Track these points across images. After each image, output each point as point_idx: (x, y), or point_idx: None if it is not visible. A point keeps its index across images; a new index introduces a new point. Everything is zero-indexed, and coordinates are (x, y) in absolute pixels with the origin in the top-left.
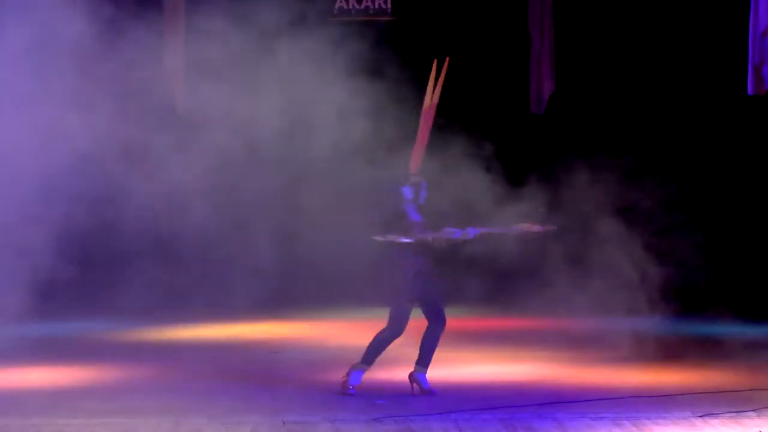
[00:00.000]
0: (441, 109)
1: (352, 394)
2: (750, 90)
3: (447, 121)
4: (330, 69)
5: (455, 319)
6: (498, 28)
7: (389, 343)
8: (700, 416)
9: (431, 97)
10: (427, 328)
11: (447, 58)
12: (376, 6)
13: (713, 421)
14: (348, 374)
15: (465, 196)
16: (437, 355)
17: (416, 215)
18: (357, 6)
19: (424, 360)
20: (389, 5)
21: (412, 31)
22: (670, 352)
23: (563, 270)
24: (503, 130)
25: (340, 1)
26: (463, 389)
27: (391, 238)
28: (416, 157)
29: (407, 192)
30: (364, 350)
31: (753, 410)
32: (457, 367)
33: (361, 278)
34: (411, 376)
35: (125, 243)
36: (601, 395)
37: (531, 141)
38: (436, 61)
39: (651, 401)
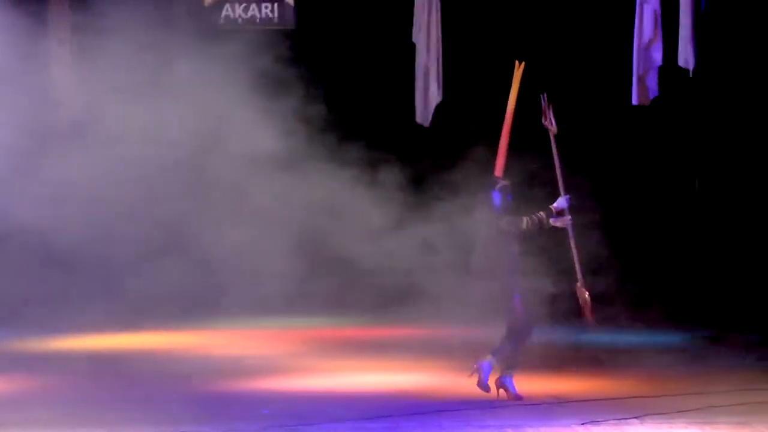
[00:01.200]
0: (339, 120)
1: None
2: (634, 100)
3: (339, 133)
4: (217, 78)
5: (341, 328)
6: (383, 39)
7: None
8: (583, 424)
9: (513, 101)
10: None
11: (523, 63)
12: (263, 15)
13: (595, 429)
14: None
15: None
16: (324, 363)
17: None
18: (243, 15)
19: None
20: (276, 14)
21: (298, 40)
22: (553, 360)
23: (449, 279)
24: (390, 141)
25: (227, 11)
26: (349, 398)
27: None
28: (500, 161)
29: (496, 197)
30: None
31: (635, 417)
32: (343, 376)
33: (256, 288)
34: (497, 381)
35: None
36: (486, 404)
37: (417, 152)
38: (517, 63)
39: (534, 409)
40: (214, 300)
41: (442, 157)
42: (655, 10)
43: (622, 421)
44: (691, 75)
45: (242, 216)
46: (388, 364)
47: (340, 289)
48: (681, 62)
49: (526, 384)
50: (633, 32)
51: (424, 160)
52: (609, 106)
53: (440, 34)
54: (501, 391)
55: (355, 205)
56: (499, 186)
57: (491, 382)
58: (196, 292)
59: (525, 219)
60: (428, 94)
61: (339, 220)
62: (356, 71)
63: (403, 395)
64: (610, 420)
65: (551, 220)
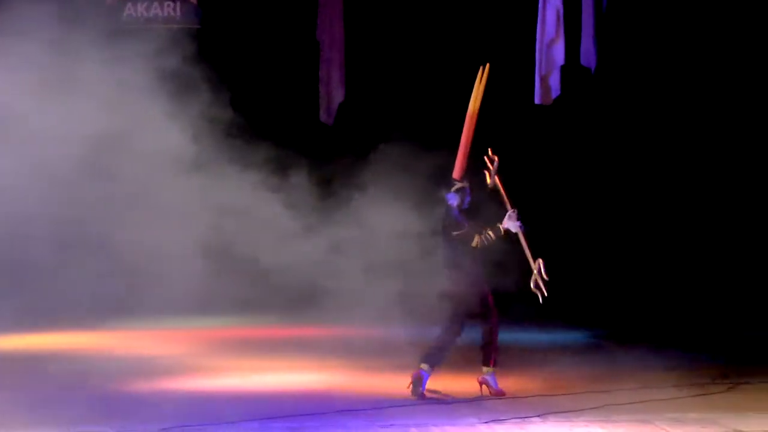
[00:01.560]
0: (245, 119)
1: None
2: (537, 99)
3: (245, 132)
4: (123, 78)
5: (247, 329)
6: (288, 36)
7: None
8: (486, 422)
9: (475, 103)
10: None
11: (488, 64)
12: (165, 14)
13: (498, 427)
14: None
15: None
16: (229, 363)
17: (463, 220)
18: (145, 14)
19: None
20: (179, 13)
21: (203, 39)
22: (457, 359)
23: (353, 280)
24: (295, 138)
25: (129, 9)
26: (254, 398)
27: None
28: (459, 163)
29: (452, 198)
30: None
31: (537, 416)
32: (248, 376)
33: (164, 289)
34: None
35: None
36: (390, 403)
37: (320, 150)
38: (481, 68)
39: (439, 408)
40: (124, 301)
41: (349, 156)
42: (557, 10)
43: (524, 419)
44: (592, 74)
45: (151, 217)
46: (293, 364)
47: (247, 290)
48: (583, 61)
49: (431, 383)
50: (536, 32)
51: (332, 159)
52: (512, 105)
53: (343, 33)
54: (483, 387)
55: (261, 206)
56: (455, 188)
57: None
58: (106, 293)
59: (476, 237)
60: (331, 92)
61: (246, 220)
62: (261, 70)
63: (308, 395)
64: (512, 418)
65: (503, 226)
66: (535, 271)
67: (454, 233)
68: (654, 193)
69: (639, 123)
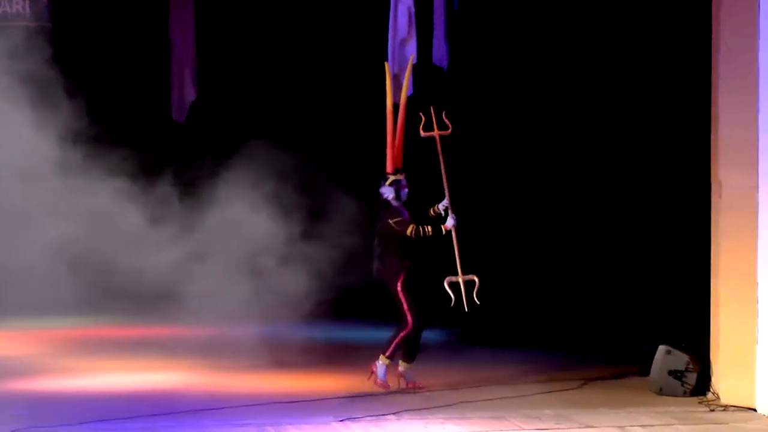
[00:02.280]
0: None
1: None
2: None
3: (97, 131)
4: None
5: (98, 329)
6: (139, 34)
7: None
8: (341, 420)
9: (391, 97)
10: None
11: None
12: (14, 11)
13: (354, 425)
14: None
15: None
16: (81, 364)
17: (404, 212)
18: None
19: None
20: (28, 11)
21: (54, 37)
22: (311, 357)
23: (207, 278)
24: (145, 138)
25: None
26: (107, 398)
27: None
28: (390, 157)
29: (387, 192)
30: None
31: (393, 413)
32: (100, 376)
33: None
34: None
35: None
36: (245, 402)
37: (173, 149)
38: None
39: (294, 407)
40: None
41: (201, 156)
42: (409, 8)
43: (380, 417)
44: (445, 72)
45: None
46: (148, 364)
47: (99, 292)
48: (435, 60)
49: (285, 381)
50: (388, 30)
51: (185, 159)
52: (364, 103)
53: (195, 31)
54: (401, 379)
55: (116, 209)
56: (388, 181)
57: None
58: None
59: (412, 226)
60: (183, 91)
61: (100, 222)
62: (113, 69)
63: (162, 395)
64: (368, 416)
65: (445, 227)
66: (460, 280)
67: (391, 220)
68: (507, 192)
69: (492, 121)
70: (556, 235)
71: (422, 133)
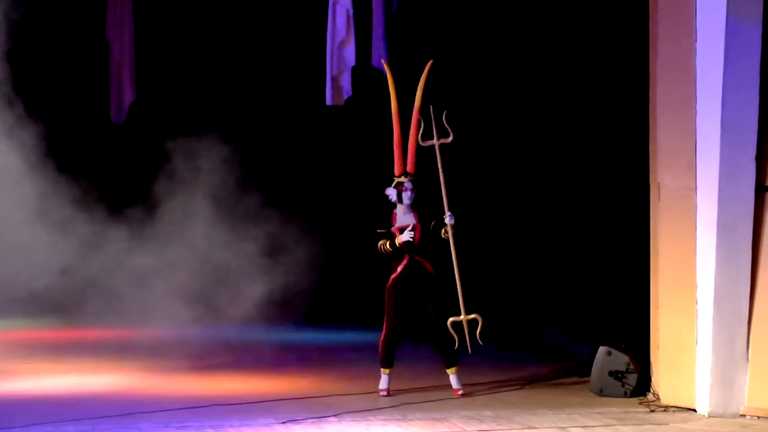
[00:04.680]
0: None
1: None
2: (328, 100)
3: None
4: None
5: (33, 330)
6: (76, 36)
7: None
8: (283, 422)
9: (395, 99)
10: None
11: (431, 60)
12: None
13: (296, 427)
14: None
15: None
16: (17, 366)
17: (404, 217)
18: None
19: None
20: None
21: None
22: (252, 359)
23: (138, 281)
24: (83, 140)
25: None
26: (44, 401)
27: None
28: (398, 159)
29: (391, 194)
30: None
31: (334, 415)
32: (37, 379)
33: None
34: None
35: None
36: (185, 404)
37: (112, 151)
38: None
39: (234, 409)
40: None
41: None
42: (347, 10)
43: (321, 419)
44: (384, 75)
45: None
46: (86, 366)
47: (33, 292)
48: (374, 63)
49: (228, 383)
50: (326, 32)
51: (125, 159)
52: (303, 106)
53: (133, 32)
54: None
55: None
56: (393, 183)
57: None
58: None
59: (380, 243)
60: (122, 92)
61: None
62: (49, 70)
63: (100, 397)
64: (309, 418)
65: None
66: (463, 320)
67: (379, 230)
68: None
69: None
70: (495, 235)
71: (421, 143)
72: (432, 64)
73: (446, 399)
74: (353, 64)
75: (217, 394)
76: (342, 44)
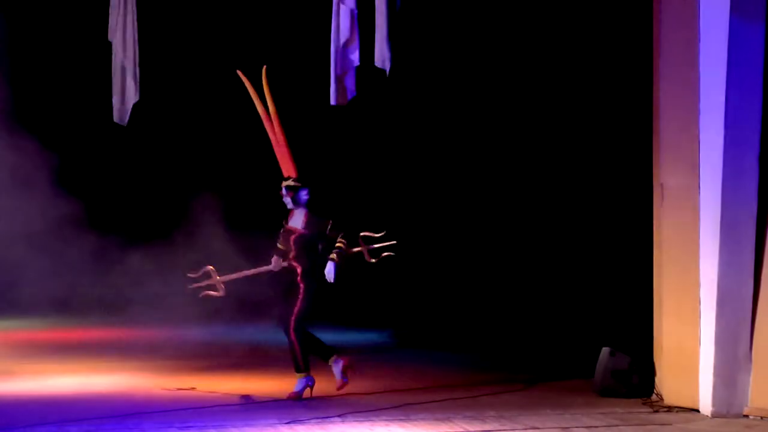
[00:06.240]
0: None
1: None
2: (333, 100)
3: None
4: None
5: (39, 331)
6: (79, 37)
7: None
8: (287, 423)
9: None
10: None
11: (264, 66)
12: None
13: (299, 428)
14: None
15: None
16: (20, 367)
17: (297, 221)
18: None
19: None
20: None
21: None
22: (255, 360)
23: (143, 280)
24: (84, 141)
25: None
26: (47, 401)
27: None
28: (289, 162)
29: (284, 199)
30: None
31: (338, 416)
32: (41, 379)
33: None
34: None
35: None
36: (188, 404)
37: (114, 152)
38: (265, 68)
39: (238, 409)
40: None
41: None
42: (351, 10)
43: (324, 419)
44: (387, 75)
45: None
46: (88, 366)
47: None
48: (378, 62)
49: (230, 383)
50: (330, 32)
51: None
52: (308, 106)
53: (136, 33)
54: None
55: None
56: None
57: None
58: None
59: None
60: (125, 93)
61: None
62: (54, 70)
63: (102, 397)
64: (313, 419)
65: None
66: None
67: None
68: (450, 195)
69: (435, 124)
70: (499, 237)
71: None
72: (266, 70)
73: (449, 399)
74: (357, 64)
75: (222, 394)
76: (346, 44)
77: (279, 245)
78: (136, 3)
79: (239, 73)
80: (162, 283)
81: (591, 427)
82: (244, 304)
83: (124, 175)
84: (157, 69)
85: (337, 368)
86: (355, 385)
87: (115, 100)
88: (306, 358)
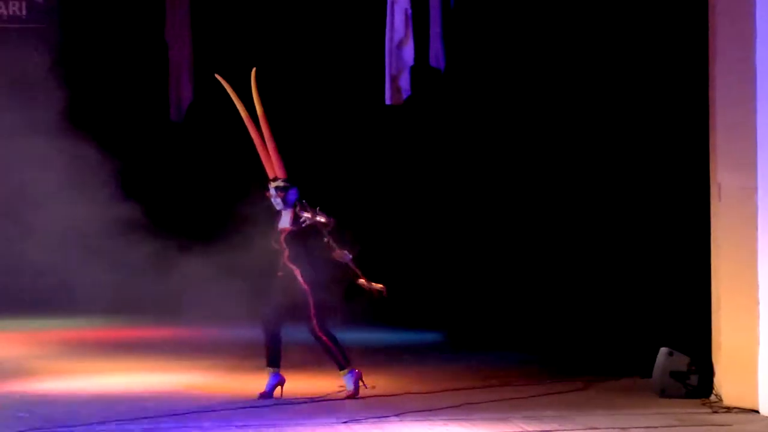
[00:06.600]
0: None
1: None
2: (388, 100)
3: (82, 132)
4: None
5: (91, 329)
6: (135, 36)
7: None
8: (344, 422)
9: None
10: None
11: (254, 68)
12: (11, 13)
13: (357, 427)
14: None
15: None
16: (79, 365)
17: (285, 221)
18: None
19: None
20: (24, 12)
21: (48, 38)
22: (312, 359)
23: (200, 280)
24: (141, 139)
25: None
26: (109, 399)
27: None
28: (267, 164)
29: (273, 200)
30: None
31: (395, 415)
32: (100, 378)
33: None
34: None
35: None
36: (246, 403)
37: (170, 150)
38: (254, 70)
39: (295, 408)
40: None
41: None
42: (405, 10)
43: (382, 418)
44: (442, 74)
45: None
46: (146, 365)
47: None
48: (432, 62)
49: (287, 383)
50: (385, 32)
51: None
52: (363, 106)
53: (191, 32)
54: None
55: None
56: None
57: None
58: None
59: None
60: (181, 92)
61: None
62: (110, 70)
63: (162, 396)
64: (370, 418)
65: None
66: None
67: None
68: (505, 194)
69: (491, 123)
70: (555, 236)
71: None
72: (256, 72)
73: (507, 399)
74: (412, 63)
75: (278, 394)
76: (400, 44)
77: (274, 244)
78: (189, 2)
79: (218, 77)
80: (219, 283)
81: (649, 427)
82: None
83: (181, 176)
84: (212, 68)
85: (349, 379)
86: (412, 385)
87: (172, 99)
88: (344, 352)
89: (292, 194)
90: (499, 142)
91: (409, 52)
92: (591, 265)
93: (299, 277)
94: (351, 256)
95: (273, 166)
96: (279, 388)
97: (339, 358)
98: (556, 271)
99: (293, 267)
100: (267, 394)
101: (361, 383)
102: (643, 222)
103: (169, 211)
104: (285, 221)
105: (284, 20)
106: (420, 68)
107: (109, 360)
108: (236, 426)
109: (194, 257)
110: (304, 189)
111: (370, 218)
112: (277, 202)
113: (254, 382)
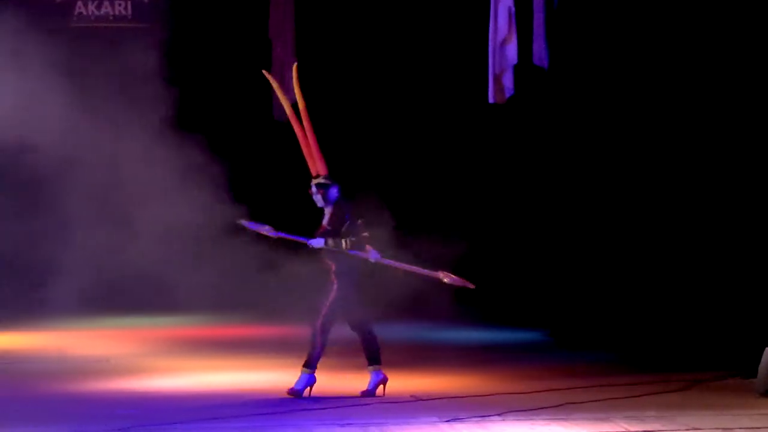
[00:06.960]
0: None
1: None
2: (491, 99)
3: (188, 132)
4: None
5: (196, 327)
6: (239, 36)
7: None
8: (447, 421)
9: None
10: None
11: (295, 64)
12: (117, 12)
13: (459, 426)
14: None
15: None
16: (183, 363)
17: (325, 218)
18: (96, 12)
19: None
20: (130, 11)
21: (153, 37)
22: (415, 357)
23: (311, 280)
24: (247, 138)
25: (79, 8)
26: (209, 397)
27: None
28: (310, 160)
29: (314, 197)
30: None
31: (498, 414)
32: (202, 376)
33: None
34: None
35: None
36: (348, 402)
37: (274, 149)
38: (296, 65)
39: (398, 407)
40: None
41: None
42: (509, 8)
43: (485, 417)
44: (546, 72)
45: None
46: (245, 363)
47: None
48: (536, 61)
49: (389, 382)
50: (488, 31)
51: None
52: (466, 105)
53: (295, 31)
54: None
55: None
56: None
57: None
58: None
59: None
60: (285, 91)
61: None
62: (215, 68)
63: (261, 394)
64: (473, 417)
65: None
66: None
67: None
68: (605, 192)
69: (594, 122)
70: (661, 235)
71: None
72: (297, 68)
73: (608, 399)
74: (515, 62)
75: (380, 392)
76: (504, 42)
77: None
78: (294, 1)
79: (265, 73)
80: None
81: (753, 428)
82: (409, 302)
83: (285, 176)
84: (316, 66)
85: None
86: (513, 385)
87: (276, 99)
88: (378, 351)
89: (333, 192)
90: (603, 141)
91: (512, 51)
92: (695, 263)
93: (332, 274)
94: (379, 255)
95: (316, 163)
96: (381, 386)
97: (368, 354)
98: (660, 270)
99: (329, 263)
100: (369, 392)
101: (381, 387)
102: (749, 219)
103: (272, 211)
104: (326, 219)
105: (388, 18)
106: (523, 67)
107: (214, 358)
108: (339, 425)
109: (297, 257)
110: (411, 188)
111: (474, 217)
112: (317, 199)
113: (359, 382)
